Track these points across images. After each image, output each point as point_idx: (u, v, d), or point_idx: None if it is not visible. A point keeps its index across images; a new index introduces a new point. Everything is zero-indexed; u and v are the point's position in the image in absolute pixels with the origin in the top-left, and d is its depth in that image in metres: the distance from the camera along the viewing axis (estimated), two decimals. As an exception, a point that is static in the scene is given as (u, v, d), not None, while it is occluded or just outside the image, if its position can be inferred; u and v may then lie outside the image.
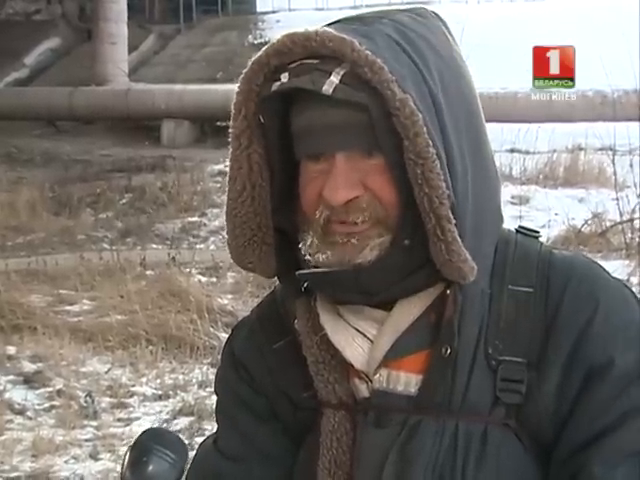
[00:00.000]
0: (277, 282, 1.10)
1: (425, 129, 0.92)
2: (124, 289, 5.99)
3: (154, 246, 7.87)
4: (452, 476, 0.96)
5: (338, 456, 1.01)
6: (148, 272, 6.52)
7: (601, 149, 8.67)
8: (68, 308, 6.03)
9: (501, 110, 10.77)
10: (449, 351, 0.97)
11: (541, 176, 8.89)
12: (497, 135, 9.53)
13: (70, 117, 13.22)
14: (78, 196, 9.35)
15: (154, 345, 5.27)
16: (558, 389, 0.97)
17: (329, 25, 0.99)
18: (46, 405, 4.61)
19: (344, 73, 0.94)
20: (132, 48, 15.00)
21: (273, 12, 19.91)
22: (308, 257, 0.99)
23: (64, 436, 4.20)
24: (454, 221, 0.94)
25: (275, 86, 0.97)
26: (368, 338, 1.00)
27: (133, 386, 4.84)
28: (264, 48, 0.98)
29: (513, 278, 1.01)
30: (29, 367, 5.03)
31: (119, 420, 4.46)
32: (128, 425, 4.38)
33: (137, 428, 4.31)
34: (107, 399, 4.67)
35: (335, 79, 0.94)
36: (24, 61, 16.26)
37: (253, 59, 0.99)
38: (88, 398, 4.56)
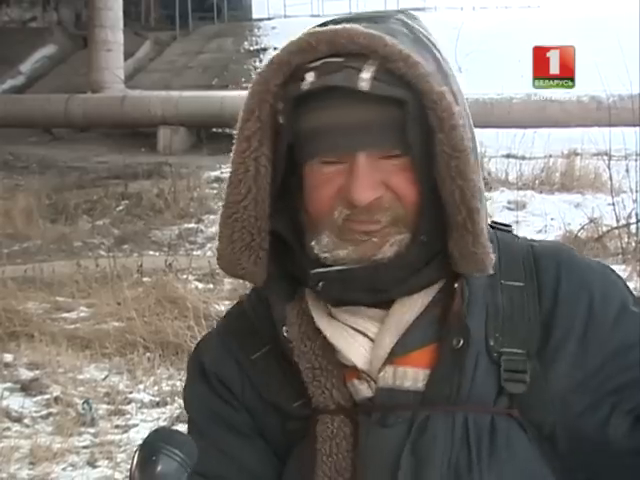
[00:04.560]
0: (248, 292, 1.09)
1: (461, 122, 0.94)
2: (121, 296, 5.98)
3: (151, 253, 7.86)
4: (469, 468, 0.96)
5: (338, 462, 0.99)
6: (145, 279, 6.51)
7: (597, 154, 8.69)
8: (65, 315, 6.02)
9: (497, 116, 10.80)
10: (461, 343, 0.97)
11: (537, 181, 8.90)
12: (493, 140, 9.54)
13: (66, 124, 13.21)
14: (74, 203, 9.35)
15: (151, 352, 5.27)
16: (571, 375, 0.99)
17: (328, 24, 0.98)
18: (43, 412, 4.60)
19: (375, 69, 0.93)
20: (128, 55, 15.00)
21: (269, 19, 19.93)
22: (325, 254, 0.97)
23: (62, 443, 4.19)
24: (483, 213, 0.96)
25: (306, 85, 0.94)
26: (369, 337, 1.00)
27: (130, 393, 4.83)
28: (282, 47, 0.96)
29: (504, 273, 1.02)
30: (26, 374, 5.01)
31: (117, 427, 4.45)
32: (126, 432, 4.37)
33: (135, 435, 4.30)
34: (104, 406, 4.66)
35: (366, 75, 0.93)
36: (20, 68, 16.25)
37: (272, 58, 0.96)
38: (85, 405, 4.55)
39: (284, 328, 1.02)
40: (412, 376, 0.99)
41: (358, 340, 1.00)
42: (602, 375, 0.99)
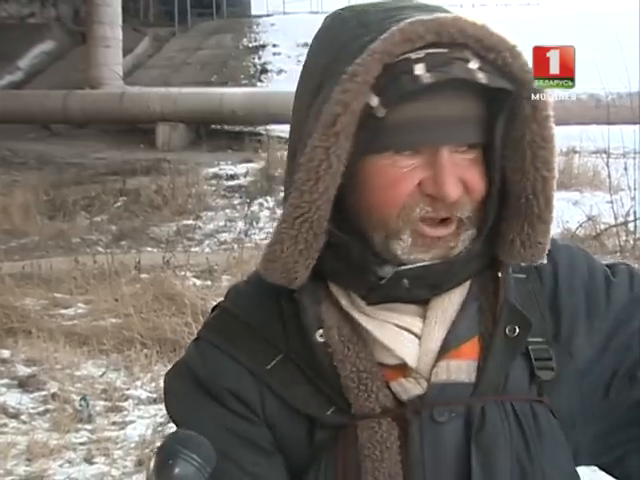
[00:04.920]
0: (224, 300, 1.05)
1: (552, 113, 0.95)
2: (119, 292, 5.97)
3: (149, 249, 7.85)
4: (528, 455, 0.97)
5: (391, 467, 0.95)
6: (143, 275, 6.50)
7: (595, 152, 8.69)
8: (63, 311, 6.02)
9: (495, 113, 10.79)
10: (518, 330, 0.98)
11: (536, 179, 8.89)
12: (492, 138, 9.54)
13: (64, 120, 13.19)
14: (72, 199, 9.33)
15: (149, 348, 5.26)
16: (591, 344, 1.02)
17: (401, 11, 0.94)
18: (41, 409, 4.60)
19: (480, 60, 0.92)
20: (127, 51, 14.97)
21: (268, 15, 19.93)
22: (405, 256, 0.95)
23: (58, 440, 4.19)
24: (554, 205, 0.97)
25: (427, 77, 0.89)
26: (414, 333, 0.97)
27: (128, 389, 4.83)
28: (385, 37, 0.90)
29: (512, 267, 1.03)
30: (23, 371, 5.01)
31: (114, 424, 4.45)
32: (123, 429, 4.37)
33: (132, 432, 4.30)
34: (102, 403, 4.66)
35: (474, 66, 0.91)
36: (18, 64, 16.22)
37: (373, 47, 0.90)
38: (82, 402, 4.54)
39: (318, 332, 0.97)
40: (466, 369, 0.98)
41: (406, 337, 0.97)
42: (606, 342, 1.03)
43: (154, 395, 4.73)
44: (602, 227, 7.08)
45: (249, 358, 1.00)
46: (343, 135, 0.92)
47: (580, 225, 7.13)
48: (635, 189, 7.07)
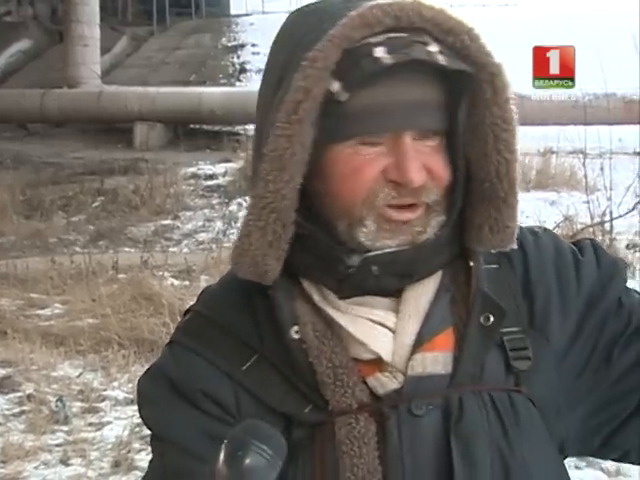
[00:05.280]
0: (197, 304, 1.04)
1: (512, 95, 0.95)
2: (96, 293, 5.94)
3: (126, 249, 7.81)
4: (507, 441, 0.96)
5: (369, 463, 0.94)
6: (120, 275, 6.47)
7: (572, 152, 8.74)
8: (39, 312, 5.97)
9: (474, 114, 10.84)
10: (492, 319, 0.98)
11: (513, 179, 8.93)
12: (470, 138, 9.58)
13: (41, 119, 13.09)
14: (49, 199, 9.27)
15: (126, 349, 5.23)
16: (565, 327, 1.02)
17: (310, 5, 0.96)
18: (16, 410, 4.56)
19: (438, 43, 0.91)
20: (104, 50, 14.88)
21: (247, 15, 19.87)
22: (369, 242, 0.95)
23: (34, 441, 4.16)
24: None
25: (387, 59, 0.89)
26: (388, 327, 0.97)
27: (105, 390, 4.80)
28: (344, 22, 0.90)
29: (483, 257, 1.03)
30: (-1, 372, 4.97)
31: (90, 425, 4.42)
32: (99, 430, 4.35)
33: (108, 432, 4.28)
34: (78, 404, 4.63)
35: (434, 49, 0.91)
36: (-6, 63, 16.10)
37: (330, 34, 0.90)
38: (59, 403, 4.51)
39: (293, 329, 0.96)
40: (442, 360, 0.97)
41: (380, 331, 0.97)
42: (581, 322, 1.03)
43: (131, 396, 4.70)
44: (579, 227, 7.12)
45: (224, 360, 0.99)
46: (306, 122, 0.91)
47: (557, 225, 7.16)
48: (611, 189, 7.12)
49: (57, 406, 4.50)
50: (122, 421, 4.42)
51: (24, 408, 4.56)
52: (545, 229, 1.10)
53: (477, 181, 0.98)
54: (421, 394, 0.96)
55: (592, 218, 7.13)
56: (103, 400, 4.69)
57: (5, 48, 16.46)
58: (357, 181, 0.93)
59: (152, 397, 1.02)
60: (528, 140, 9.43)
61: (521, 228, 1.05)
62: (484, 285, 0.99)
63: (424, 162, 0.94)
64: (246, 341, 0.99)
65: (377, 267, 0.95)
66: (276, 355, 0.98)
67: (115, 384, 4.88)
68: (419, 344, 0.96)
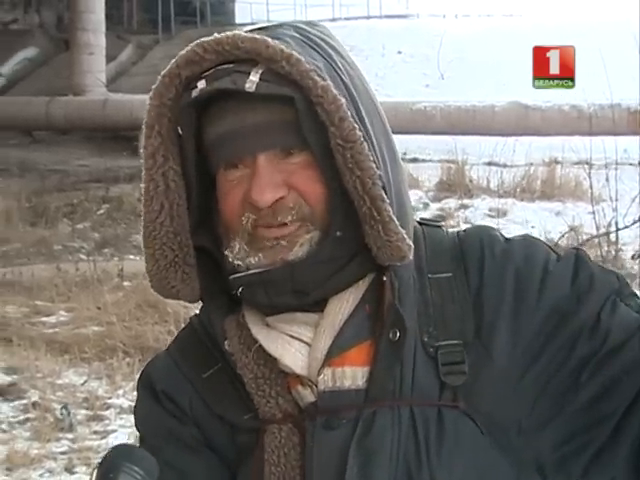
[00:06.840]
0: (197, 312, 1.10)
1: (349, 113, 0.95)
2: (101, 300, 5.95)
3: (131, 257, 7.82)
4: (417, 460, 0.95)
5: (287, 472, 0.98)
6: (125, 283, 6.48)
7: (578, 163, 8.75)
8: (44, 319, 5.98)
9: (478, 123, 10.86)
10: (398, 334, 0.97)
11: (518, 189, 8.94)
12: (475, 148, 9.59)
13: (47, 127, 13.14)
14: (55, 206, 9.30)
15: (131, 357, 5.24)
16: (512, 344, 0.98)
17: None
18: (21, 418, 4.57)
19: (262, 71, 0.95)
20: (110, 58, 14.94)
21: (252, 24, 19.89)
22: (238, 262, 0.98)
23: (39, 449, 4.16)
24: (388, 201, 0.96)
25: (195, 92, 0.96)
26: (305, 342, 0.99)
27: (110, 398, 4.81)
28: (173, 60, 0.98)
29: (430, 268, 1.03)
30: (4, 379, 4.97)
31: (95, 433, 4.42)
32: (104, 438, 4.35)
33: (113, 441, 4.28)
34: (83, 411, 4.64)
35: (255, 77, 0.94)
36: (0, 70, 16.16)
37: (163, 72, 0.99)
38: (64, 410, 4.52)
39: (226, 342, 1.02)
40: (351, 375, 0.98)
41: (294, 346, 0.99)
42: (542, 337, 0.99)
43: (136, 404, 4.71)
44: (584, 238, 7.12)
45: (192, 367, 1.06)
46: (159, 155, 0.99)
47: (562, 235, 7.17)
48: (617, 200, 7.12)
49: (62, 414, 4.50)
50: (127, 429, 4.41)
51: (29, 416, 4.56)
52: (526, 237, 1.06)
53: (354, 200, 0.98)
54: (337, 408, 0.98)
55: (597, 229, 7.13)
56: (108, 408, 4.69)
57: (11, 56, 16.53)
58: (227, 205, 0.99)
59: (137, 393, 1.13)
60: (533, 150, 9.46)
61: (494, 235, 1.04)
62: (398, 299, 0.99)
63: (285, 179, 0.97)
64: (212, 351, 1.06)
65: (244, 288, 0.99)
66: (231, 365, 1.04)
67: (120, 392, 4.88)
68: (328, 358, 0.98)
